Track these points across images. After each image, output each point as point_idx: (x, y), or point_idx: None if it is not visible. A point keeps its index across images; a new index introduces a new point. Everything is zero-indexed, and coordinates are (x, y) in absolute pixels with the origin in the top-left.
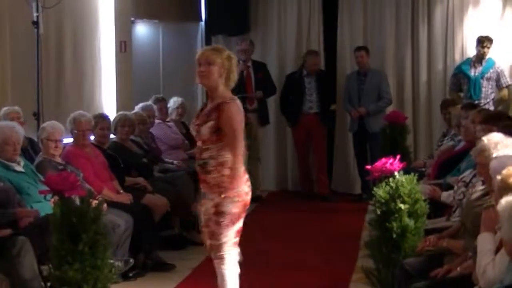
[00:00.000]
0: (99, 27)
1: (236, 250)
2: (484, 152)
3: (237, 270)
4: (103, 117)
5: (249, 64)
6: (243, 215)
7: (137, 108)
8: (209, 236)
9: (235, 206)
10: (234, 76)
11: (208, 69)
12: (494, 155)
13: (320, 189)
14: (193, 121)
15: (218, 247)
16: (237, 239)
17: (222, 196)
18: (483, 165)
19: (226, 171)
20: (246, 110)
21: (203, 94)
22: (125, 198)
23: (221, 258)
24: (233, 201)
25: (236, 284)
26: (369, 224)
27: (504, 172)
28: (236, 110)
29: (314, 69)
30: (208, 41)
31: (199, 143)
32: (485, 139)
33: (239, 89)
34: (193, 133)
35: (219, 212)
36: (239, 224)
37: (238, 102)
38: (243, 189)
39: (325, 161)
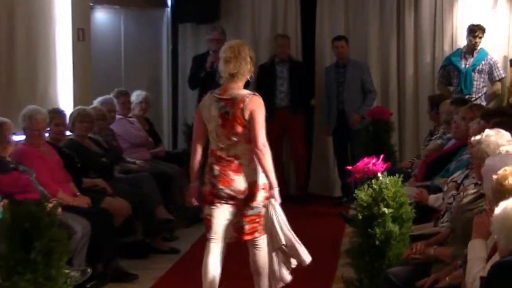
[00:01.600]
0: (54, 13)
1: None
2: (481, 146)
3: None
4: (58, 112)
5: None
6: (209, 207)
7: (96, 102)
8: None
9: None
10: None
11: None
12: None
13: (296, 189)
14: None
15: None
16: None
17: None
18: (478, 161)
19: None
20: None
21: (169, 87)
22: (83, 201)
23: None
24: None
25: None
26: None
27: (500, 172)
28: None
29: (284, 54)
30: (174, 30)
31: None
32: (491, 134)
33: (210, 82)
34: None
35: None
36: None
37: (205, 97)
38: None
39: (305, 159)
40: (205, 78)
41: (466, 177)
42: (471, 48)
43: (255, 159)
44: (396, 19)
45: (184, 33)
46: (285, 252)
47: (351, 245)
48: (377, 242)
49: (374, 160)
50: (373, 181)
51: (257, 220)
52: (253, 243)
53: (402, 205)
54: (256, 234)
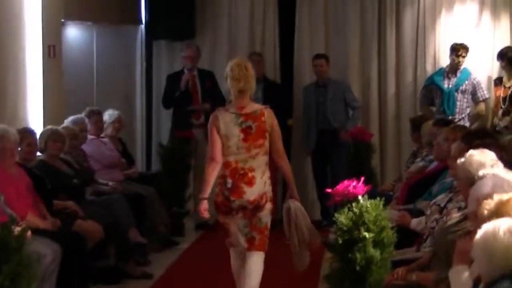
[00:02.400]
0: (24, 29)
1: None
2: (464, 166)
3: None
4: (29, 132)
5: (195, 73)
6: (223, 216)
7: (67, 122)
8: None
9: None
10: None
11: None
12: (480, 173)
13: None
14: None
15: None
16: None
17: None
18: (463, 182)
19: None
20: (191, 125)
21: (143, 106)
22: (53, 224)
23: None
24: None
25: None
26: (324, 245)
27: (499, 197)
28: (211, 119)
29: (257, 74)
30: (148, 46)
31: None
32: (474, 153)
33: (185, 101)
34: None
35: None
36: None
37: (217, 112)
38: (214, 190)
39: (277, 183)
40: (180, 97)
41: (450, 200)
42: (454, 68)
43: (281, 167)
44: (377, 37)
45: (158, 50)
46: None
47: (331, 270)
48: (357, 268)
49: (354, 183)
50: (353, 204)
51: (266, 232)
52: (256, 254)
53: (383, 229)
54: (262, 248)
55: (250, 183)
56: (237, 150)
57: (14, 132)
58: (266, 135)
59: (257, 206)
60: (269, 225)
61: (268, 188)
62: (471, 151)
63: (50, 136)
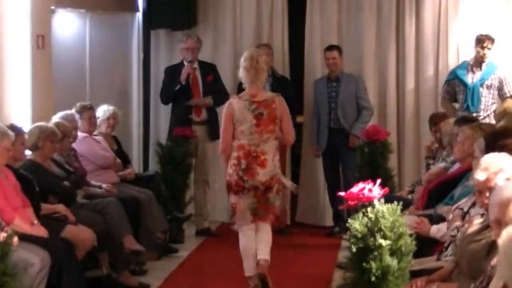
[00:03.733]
0: (10, 17)
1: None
2: (486, 174)
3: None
4: (17, 130)
5: (196, 65)
6: (234, 196)
7: (56, 118)
8: None
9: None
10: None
11: None
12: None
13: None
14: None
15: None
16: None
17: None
18: (484, 190)
19: None
20: (192, 122)
21: (140, 102)
22: (41, 230)
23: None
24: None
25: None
26: (339, 267)
27: None
28: (225, 107)
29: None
30: (146, 36)
31: None
32: (489, 157)
33: (185, 96)
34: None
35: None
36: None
37: (232, 99)
38: (228, 171)
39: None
40: (179, 92)
41: (473, 205)
42: (479, 61)
43: (284, 138)
44: (395, 27)
45: (156, 41)
46: None
47: (344, 281)
48: (372, 278)
49: (369, 186)
50: (368, 209)
51: (273, 210)
52: (264, 224)
53: (401, 237)
54: (269, 221)
55: (263, 165)
56: (250, 134)
57: (9, 133)
58: (276, 121)
59: (268, 187)
60: (276, 205)
61: (278, 170)
62: (488, 155)
63: (50, 136)
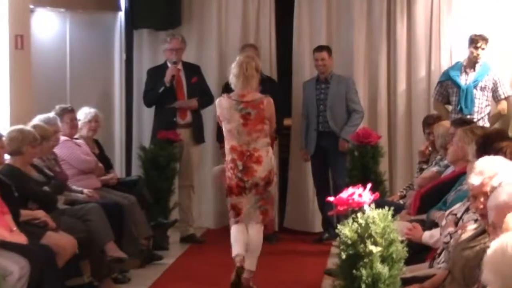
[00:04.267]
0: None
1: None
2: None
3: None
4: None
5: (180, 66)
6: (236, 197)
7: (36, 120)
8: None
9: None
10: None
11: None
12: (495, 183)
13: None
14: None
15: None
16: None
17: None
18: (478, 195)
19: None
20: (176, 125)
21: (122, 104)
22: (21, 237)
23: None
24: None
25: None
26: (328, 274)
27: None
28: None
29: None
30: (129, 36)
31: None
32: (484, 161)
33: (169, 98)
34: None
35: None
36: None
37: (221, 98)
38: (227, 174)
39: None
40: (163, 93)
41: (467, 210)
42: (472, 62)
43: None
44: (386, 27)
45: (139, 41)
46: None
47: None
48: (363, 286)
49: (360, 190)
50: (358, 214)
51: (273, 201)
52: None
53: (392, 243)
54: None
55: (259, 162)
56: (237, 134)
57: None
58: (265, 121)
59: (268, 182)
60: (273, 194)
61: (274, 163)
62: (482, 159)
63: (32, 140)
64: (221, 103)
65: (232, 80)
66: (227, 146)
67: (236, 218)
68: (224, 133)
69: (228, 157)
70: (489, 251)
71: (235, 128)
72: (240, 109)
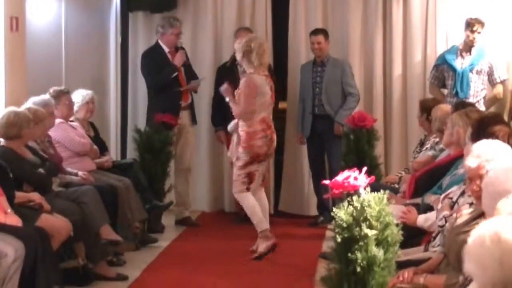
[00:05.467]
0: None
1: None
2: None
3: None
4: None
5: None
6: (258, 165)
7: (31, 103)
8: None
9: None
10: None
11: None
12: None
13: None
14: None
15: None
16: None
17: (241, 146)
18: (475, 177)
19: (246, 128)
20: (179, 107)
21: (117, 87)
22: (15, 219)
23: (236, 192)
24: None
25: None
26: (323, 258)
27: None
28: (247, 82)
29: None
30: (124, 19)
31: None
32: (482, 144)
33: (174, 82)
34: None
35: (237, 157)
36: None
37: (252, 75)
38: (256, 143)
39: (266, 176)
40: (173, 78)
41: (462, 194)
42: (468, 45)
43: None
44: (382, 10)
45: (135, 23)
46: None
47: (328, 272)
48: (358, 269)
49: (355, 174)
50: (354, 198)
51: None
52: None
53: (387, 226)
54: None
55: (275, 133)
56: (268, 106)
57: None
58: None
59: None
60: None
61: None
62: (479, 143)
63: (28, 123)
64: (255, 79)
65: (254, 57)
66: (257, 118)
67: (248, 186)
68: (256, 107)
69: (258, 127)
70: (469, 241)
71: (267, 101)
72: (267, 83)
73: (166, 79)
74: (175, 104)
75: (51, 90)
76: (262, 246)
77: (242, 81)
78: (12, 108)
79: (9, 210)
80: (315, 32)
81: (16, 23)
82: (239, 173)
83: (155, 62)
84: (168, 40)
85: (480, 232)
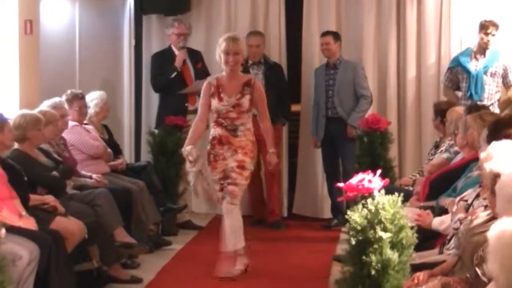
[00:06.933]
0: None
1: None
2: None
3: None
4: (3, 118)
5: (185, 52)
6: None
7: (44, 106)
8: (230, 183)
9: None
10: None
11: (237, 58)
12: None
13: (268, 214)
14: (220, 95)
15: (233, 193)
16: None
17: (247, 156)
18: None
19: (251, 137)
20: (185, 111)
21: (131, 89)
22: (30, 222)
23: (236, 204)
24: (252, 162)
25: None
26: (337, 261)
27: None
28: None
29: (257, 54)
30: (138, 21)
31: (233, 113)
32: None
33: (179, 84)
34: (226, 104)
35: (241, 166)
36: None
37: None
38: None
39: (277, 177)
40: (173, 79)
41: (477, 197)
42: (482, 48)
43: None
44: (395, 12)
45: (149, 26)
46: None
47: (342, 275)
48: (372, 272)
49: (369, 176)
50: (368, 200)
51: None
52: None
53: (402, 229)
54: None
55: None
56: None
57: None
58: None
59: None
60: None
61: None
62: (494, 145)
63: (36, 124)
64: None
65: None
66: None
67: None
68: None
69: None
70: (492, 239)
71: None
72: None
73: (164, 80)
74: (180, 107)
75: (68, 92)
76: (241, 263)
77: (259, 87)
78: (23, 111)
79: (23, 213)
80: (324, 33)
81: (30, 26)
82: (244, 184)
83: (159, 64)
84: (171, 40)
85: (500, 229)
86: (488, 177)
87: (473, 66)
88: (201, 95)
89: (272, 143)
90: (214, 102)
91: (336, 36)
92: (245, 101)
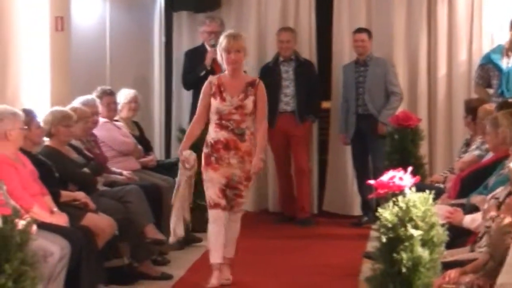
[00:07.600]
0: None
1: None
2: None
3: None
4: (29, 113)
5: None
6: None
7: (76, 103)
8: (238, 196)
9: None
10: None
11: (239, 56)
12: None
13: (298, 211)
14: (223, 95)
15: (242, 204)
16: None
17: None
18: None
19: (254, 141)
20: None
21: (162, 87)
22: (61, 218)
23: (241, 212)
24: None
25: None
26: (367, 258)
27: None
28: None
29: (287, 50)
30: (168, 18)
31: (236, 115)
32: None
33: None
34: (228, 104)
35: (249, 177)
36: None
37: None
38: None
39: (307, 174)
40: (204, 77)
41: (509, 194)
42: None
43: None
44: (426, 9)
45: (179, 23)
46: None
47: (373, 272)
48: (403, 269)
49: (400, 174)
50: (399, 198)
51: None
52: None
53: (433, 227)
54: None
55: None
56: None
57: (19, 114)
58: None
59: None
60: None
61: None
62: None
63: (62, 120)
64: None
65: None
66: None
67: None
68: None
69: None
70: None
71: None
72: None
73: (193, 78)
74: None
75: (98, 89)
76: (228, 271)
77: (262, 87)
78: (54, 107)
79: (55, 209)
80: (359, 30)
81: (61, 23)
82: (248, 194)
83: (190, 61)
84: (203, 37)
85: None
86: None
87: (505, 63)
88: (201, 95)
89: (263, 147)
90: (215, 102)
91: (370, 33)
92: (249, 102)
